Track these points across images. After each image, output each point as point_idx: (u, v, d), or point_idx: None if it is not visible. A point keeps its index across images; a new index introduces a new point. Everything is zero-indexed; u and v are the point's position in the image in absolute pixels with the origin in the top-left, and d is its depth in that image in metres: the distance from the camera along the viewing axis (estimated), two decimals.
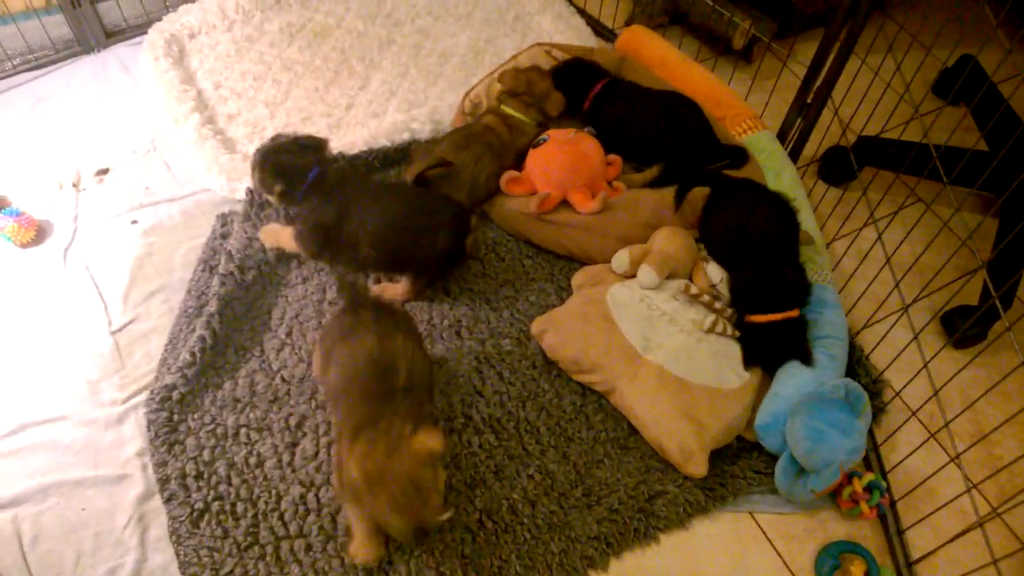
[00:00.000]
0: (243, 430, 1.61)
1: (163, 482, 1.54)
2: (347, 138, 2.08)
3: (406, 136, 2.09)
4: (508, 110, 2.00)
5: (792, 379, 1.63)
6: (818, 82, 1.99)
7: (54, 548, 1.49)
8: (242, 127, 2.15)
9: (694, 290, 1.75)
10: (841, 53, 1.90)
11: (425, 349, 1.57)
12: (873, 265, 1.81)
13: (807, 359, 1.65)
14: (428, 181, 1.89)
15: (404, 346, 1.44)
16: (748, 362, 1.68)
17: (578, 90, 2.07)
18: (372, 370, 1.40)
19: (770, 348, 1.69)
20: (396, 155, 2.06)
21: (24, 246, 1.91)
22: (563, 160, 1.87)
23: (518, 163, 1.97)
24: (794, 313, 1.68)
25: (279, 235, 1.83)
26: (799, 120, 2.08)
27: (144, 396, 1.66)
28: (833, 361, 1.66)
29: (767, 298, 1.70)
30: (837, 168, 2.13)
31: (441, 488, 1.33)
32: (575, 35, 2.43)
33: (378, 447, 1.27)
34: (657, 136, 2.00)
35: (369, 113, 2.21)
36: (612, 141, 2.02)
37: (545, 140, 1.91)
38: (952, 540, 1.45)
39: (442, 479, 1.34)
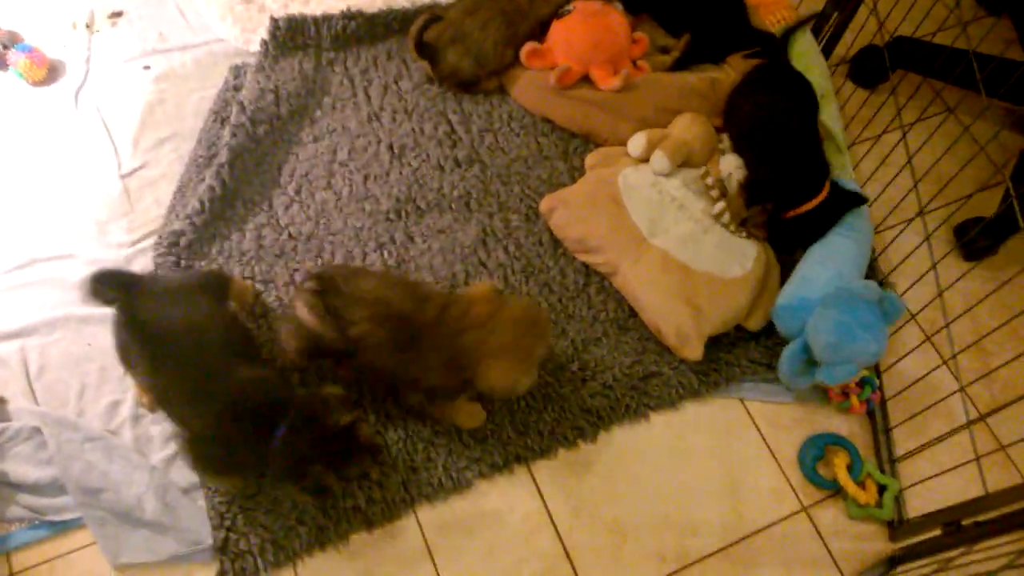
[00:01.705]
0: (248, 281, 1.62)
1: None
2: None
3: None
4: None
5: (821, 267, 1.62)
6: None
7: (59, 378, 1.53)
8: None
9: (710, 180, 1.73)
10: None
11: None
12: (892, 170, 1.78)
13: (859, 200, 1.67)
14: (431, 46, 1.85)
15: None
16: (780, 252, 1.72)
17: None
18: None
19: (809, 233, 1.69)
20: (416, 16, 1.99)
21: (36, 84, 1.88)
22: (586, 33, 1.82)
23: (539, 35, 1.92)
24: (823, 196, 1.67)
25: None
26: (835, 14, 2.01)
27: (152, 240, 1.67)
28: (860, 255, 1.66)
29: (792, 194, 1.68)
30: (868, 68, 2.07)
31: None
32: None
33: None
34: (688, 3, 1.94)
35: None
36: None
37: (570, 11, 1.85)
38: (939, 440, 1.48)
39: None
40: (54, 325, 1.58)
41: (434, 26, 1.86)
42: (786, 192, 1.68)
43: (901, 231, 1.69)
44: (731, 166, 1.75)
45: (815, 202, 1.66)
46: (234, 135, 1.74)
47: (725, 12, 1.94)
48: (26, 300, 1.60)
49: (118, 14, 2.03)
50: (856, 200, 1.68)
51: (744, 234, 1.71)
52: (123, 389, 1.51)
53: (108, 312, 1.57)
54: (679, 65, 1.94)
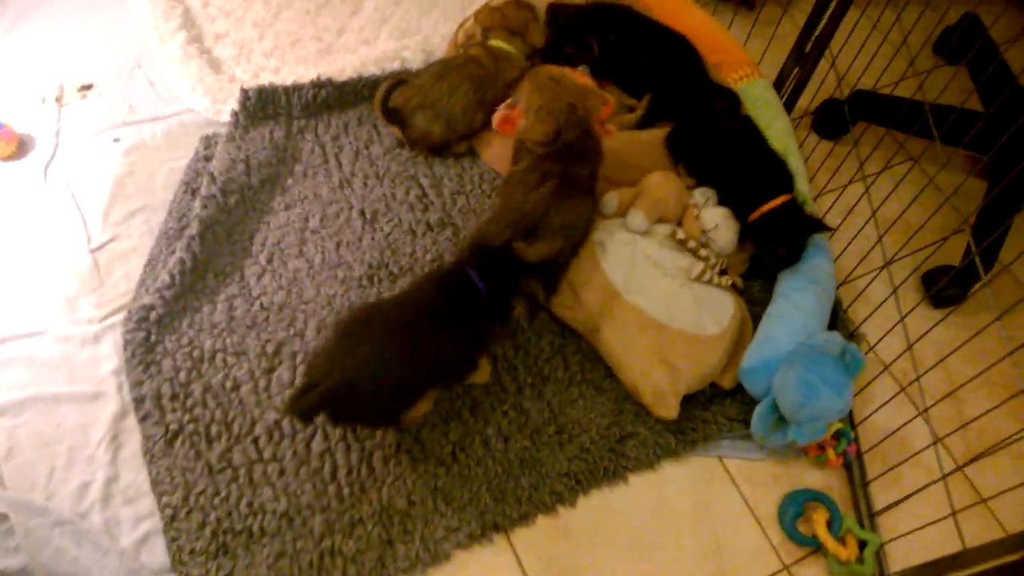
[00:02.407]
0: (219, 354, 1.61)
1: (138, 402, 1.55)
2: (336, 65, 2.05)
3: (396, 65, 2.05)
4: (493, 43, 1.96)
5: (784, 324, 1.64)
6: (817, 31, 1.96)
7: (28, 461, 1.50)
8: (229, 47, 2.10)
9: (681, 235, 1.74)
10: (842, 2, 1.87)
11: None
12: (858, 221, 1.81)
13: (800, 251, 1.74)
14: (399, 112, 1.87)
15: None
16: (765, 248, 1.77)
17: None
18: None
19: (775, 236, 1.74)
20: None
21: (5, 159, 1.88)
22: None
23: (506, 97, 1.94)
24: (786, 197, 1.73)
25: None
26: (796, 69, 2.05)
27: (122, 315, 1.65)
28: (822, 308, 1.67)
29: (755, 190, 1.75)
30: (830, 121, 2.11)
31: None
32: None
33: None
34: (648, 67, 1.98)
35: (360, 40, 2.16)
36: (603, 67, 2.01)
37: None
38: (915, 493, 1.47)
39: None
40: (23, 406, 1.55)
41: (403, 92, 1.88)
42: (747, 191, 1.77)
43: (869, 283, 1.71)
44: (717, 218, 1.77)
45: (777, 202, 1.72)
46: (204, 206, 1.74)
47: (684, 73, 1.97)
48: None
49: (88, 87, 2.03)
50: (817, 225, 1.74)
51: (727, 282, 1.72)
52: (92, 470, 1.48)
53: (77, 391, 1.57)
54: (645, 123, 1.96)
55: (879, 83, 1.94)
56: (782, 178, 1.77)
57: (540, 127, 1.63)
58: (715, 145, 1.83)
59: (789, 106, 2.12)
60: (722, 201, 1.81)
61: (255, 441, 1.52)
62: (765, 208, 1.73)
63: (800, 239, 1.74)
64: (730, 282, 1.74)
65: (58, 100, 2.00)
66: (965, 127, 1.73)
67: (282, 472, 1.49)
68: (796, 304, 1.66)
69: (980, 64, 2.20)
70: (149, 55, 2.09)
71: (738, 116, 1.91)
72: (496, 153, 1.93)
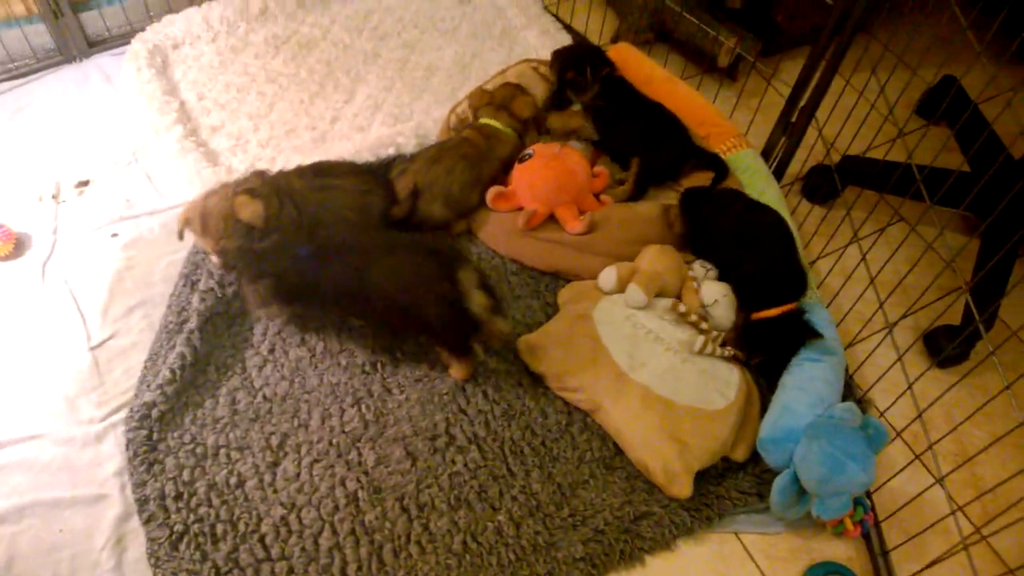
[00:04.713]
0: (223, 450, 1.59)
1: (142, 503, 1.52)
2: (332, 152, 2.07)
3: (391, 151, 2.08)
4: (483, 120, 2.00)
5: (802, 394, 1.62)
6: (803, 101, 2.00)
7: (30, 570, 1.46)
8: (225, 139, 2.13)
9: (682, 308, 1.75)
10: (826, 72, 1.91)
11: None
12: (858, 284, 1.82)
13: (786, 361, 1.70)
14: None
15: None
16: (752, 354, 1.74)
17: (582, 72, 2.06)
18: None
19: (775, 341, 1.72)
20: (381, 170, 2.04)
21: (2, 259, 1.88)
22: (549, 176, 1.87)
23: (500, 175, 1.97)
24: (791, 306, 1.72)
25: None
26: (784, 139, 2.09)
27: (123, 414, 1.63)
28: (837, 379, 1.66)
29: (768, 294, 1.74)
30: (821, 187, 2.14)
31: None
32: None
33: None
34: (636, 135, 2.02)
35: (354, 127, 2.19)
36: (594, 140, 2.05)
37: (530, 155, 1.91)
38: (935, 562, 1.45)
39: None
40: (23, 512, 1.52)
41: (400, 179, 1.90)
42: (761, 292, 1.75)
43: (875, 347, 1.71)
44: (717, 294, 1.78)
45: (780, 311, 1.71)
46: (203, 300, 1.73)
47: (670, 139, 2.01)
48: None
49: (84, 183, 2.05)
50: (812, 333, 1.70)
51: (729, 353, 1.71)
52: None
53: (79, 494, 1.54)
54: (636, 189, 1.97)
55: (871, 146, 1.97)
56: (796, 285, 1.76)
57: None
58: (734, 234, 1.83)
59: (779, 174, 2.15)
60: (723, 279, 1.81)
61: (262, 539, 1.48)
62: (768, 313, 1.73)
63: (789, 351, 1.71)
64: (731, 353, 1.73)
65: (55, 197, 2.01)
66: (954, 188, 1.75)
67: (291, 570, 1.45)
68: (812, 375, 1.65)
69: (963, 126, 2.25)
70: (145, 149, 2.12)
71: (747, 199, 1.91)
72: (492, 230, 1.94)
